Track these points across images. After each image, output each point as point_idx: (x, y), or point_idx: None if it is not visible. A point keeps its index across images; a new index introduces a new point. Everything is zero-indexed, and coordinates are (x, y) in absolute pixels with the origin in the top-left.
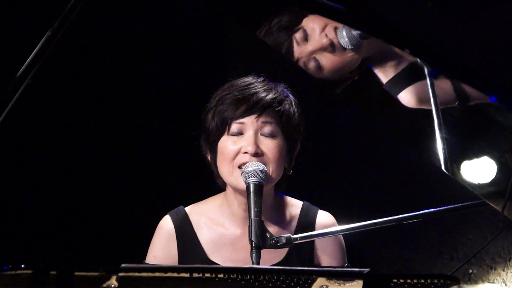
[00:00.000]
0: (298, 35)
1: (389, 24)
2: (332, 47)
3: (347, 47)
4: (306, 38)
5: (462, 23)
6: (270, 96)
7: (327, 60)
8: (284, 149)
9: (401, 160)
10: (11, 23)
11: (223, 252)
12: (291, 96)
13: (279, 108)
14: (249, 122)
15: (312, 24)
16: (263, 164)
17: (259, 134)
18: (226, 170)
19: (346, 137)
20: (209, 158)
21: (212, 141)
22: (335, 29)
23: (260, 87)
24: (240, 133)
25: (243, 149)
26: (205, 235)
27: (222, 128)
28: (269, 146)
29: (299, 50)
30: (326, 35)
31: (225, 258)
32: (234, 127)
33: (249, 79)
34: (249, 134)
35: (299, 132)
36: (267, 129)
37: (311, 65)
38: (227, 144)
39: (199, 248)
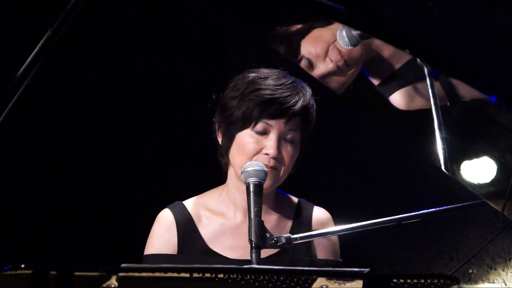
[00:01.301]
0: (303, 64)
1: (389, 24)
2: (338, 69)
3: (347, 47)
4: (311, 65)
5: (462, 23)
6: (300, 103)
7: (334, 81)
8: (297, 154)
9: (401, 160)
10: (11, 23)
11: (224, 240)
12: (314, 102)
13: (306, 116)
14: (276, 125)
15: (314, 50)
16: (278, 166)
17: (281, 138)
18: (242, 164)
19: (346, 136)
20: (219, 139)
21: (231, 129)
22: (338, 50)
23: (292, 90)
24: (264, 133)
25: (265, 150)
26: (205, 226)
27: (248, 123)
28: (288, 151)
29: (314, 74)
30: (331, 60)
31: (226, 246)
32: (260, 126)
33: (279, 77)
34: (273, 136)
35: (311, 136)
36: (290, 135)
37: (326, 84)
38: (249, 141)
39: (198, 238)
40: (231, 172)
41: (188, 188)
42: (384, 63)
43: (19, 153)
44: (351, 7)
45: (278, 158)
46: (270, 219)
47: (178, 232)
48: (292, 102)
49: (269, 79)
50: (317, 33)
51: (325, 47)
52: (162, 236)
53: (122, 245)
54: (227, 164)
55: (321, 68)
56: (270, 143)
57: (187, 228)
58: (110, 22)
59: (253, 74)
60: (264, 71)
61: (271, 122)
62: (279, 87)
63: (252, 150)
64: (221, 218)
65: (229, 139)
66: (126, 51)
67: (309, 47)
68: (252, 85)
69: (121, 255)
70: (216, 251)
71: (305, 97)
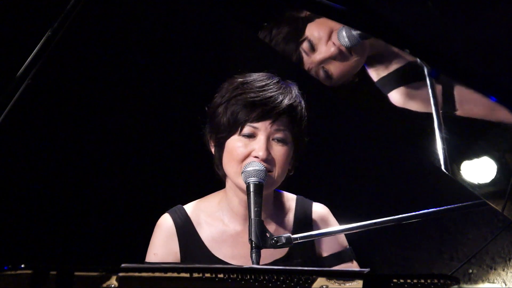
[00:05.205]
0: (305, 46)
1: (389, 24)
2: (340, 54)
3: (347, 47)
4: (313, 48)
5: (462, 23)
6: (286, 102)
7: (335, 68)
8: (291, 154)
9: (401, 160)
10: (11, 23)
11: (225, 248)
12: (302, 101)
13: (293, 114)
14: (263, 127)
15: (317, 33)
16: (270, 168)
17: (270, 139)
18: (234, 170)
19: (346, 136)
20: (212, 150)
21: (220, 137)
22: None
23: (276, 90)
24: (251, 136)
25: (254, 153)
26: (206, 232)
27: (235, 128)
28: (278, 152)
29: (309, 61)
30: (334, 43)
31: (227, 254)
32: (247, 129)
33: (263, 79)
34: (261, 138)
35: (305, 135)
36: (279, 135)
37: (321, 74)
38: (237, 146)
39: (201, 245)
40: (229, 182)
41: (188, 189)
42: (389, 59)
43: (19, 153)
44: (351, 7)
45: (268, 160)
46: (272, 218)
47: (179, 239)
48: (277, 102)
49: (253, 82)
50: (323, 18)
51: (329, 31)
52: (164, 244)
53: (122, 245)
54: (224, 175)
55: (322, 52)
56: (258, 146)
57: (187, 234)
58: (110, 22)
59: (239, 80)
60: (250, 75)
61: (257, 124)
62: (262, 89)
63: (241, 154)
64: (222, 225)
65: (220, 148)
66: (126, 52)
67: (313, 30)
68: (236, 90)
69: (121, 255)
70: (220, 258)
71: (290, 95)
